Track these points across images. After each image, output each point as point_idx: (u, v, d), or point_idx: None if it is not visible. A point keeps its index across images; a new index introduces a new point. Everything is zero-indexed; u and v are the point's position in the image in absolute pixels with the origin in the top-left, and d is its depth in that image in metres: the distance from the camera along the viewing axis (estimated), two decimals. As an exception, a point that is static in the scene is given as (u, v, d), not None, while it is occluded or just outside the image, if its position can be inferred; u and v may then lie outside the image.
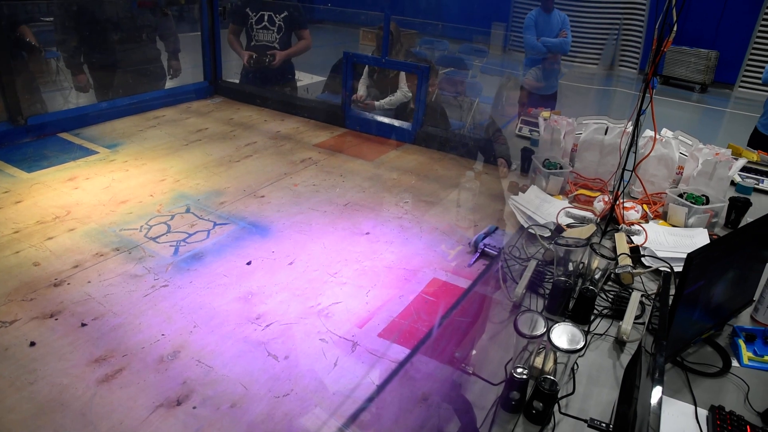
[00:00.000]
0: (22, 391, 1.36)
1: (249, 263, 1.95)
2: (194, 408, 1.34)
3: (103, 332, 1.58)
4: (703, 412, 1.36)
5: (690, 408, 1.37)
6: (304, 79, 5.15)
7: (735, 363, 1.54)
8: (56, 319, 1.61)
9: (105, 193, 2.40)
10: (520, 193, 2.43)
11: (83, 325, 1.60)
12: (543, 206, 2.34)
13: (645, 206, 2.40)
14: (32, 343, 1.51)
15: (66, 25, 3.61)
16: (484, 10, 9.74)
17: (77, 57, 3.64)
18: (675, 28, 1.96)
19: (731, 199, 2.34)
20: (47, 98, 3.95)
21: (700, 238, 2.15)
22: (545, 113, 2.82)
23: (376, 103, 3.93)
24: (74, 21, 3.59)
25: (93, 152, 2.83)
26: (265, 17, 3.92)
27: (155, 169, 2.67)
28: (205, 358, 1.50)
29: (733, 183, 2.66)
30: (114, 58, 3.71)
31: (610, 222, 2.25)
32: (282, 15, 3.92)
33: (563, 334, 1.37)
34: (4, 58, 2.80)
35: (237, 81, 4.15)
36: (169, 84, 4.02)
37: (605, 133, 2.62)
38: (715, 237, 2.20)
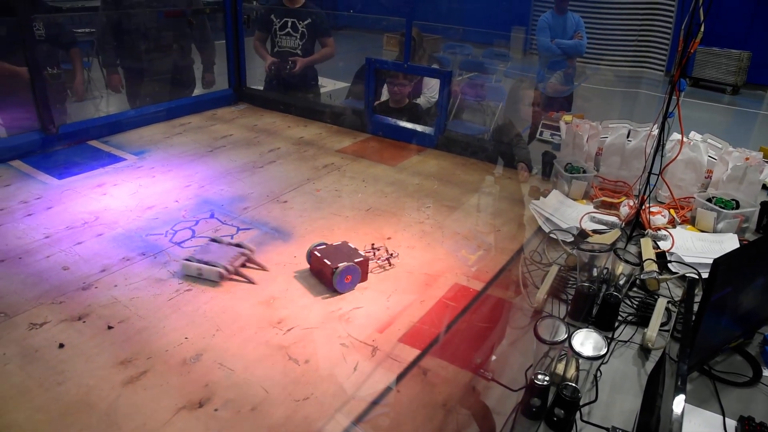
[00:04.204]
0: (51, 391, 1.40)
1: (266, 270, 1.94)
2: (215, 410, 1.36)
3: (128, 335, 1.61)
4: (731, 423, 1.32)
5: (718, 418, 1.34)
6: (327, 85, 5.18)
7: (766, 372, 1.50)
8: (84, 322, 1.65)
9: (132, 199, 2.45)
10: (541, 197, 2.40)
11: (110, 327, 1.63)
12: (565, 211, 2.32)
13: (672, 211, 2.36)
14: (61, 345, 1.55)
15: (106, 30, 3.80)
16: (505, 14, 9.69)
17: (114, 58, 3.79)
18: (702, 29, 1.92)
19: (763, 204, 2.28)
20: (78, 107, 4.07)
21: (729, 243, 2.09)
22: (567, 117, 2.79)
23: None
24: (114, 28, 3.75)
25: (121, 159, 2.90)
26: (289, 24, 3.97)
27: (181, 176, 2.72)
28: (226, 362, 1.52)
29: (765, 187, 2.59)
30: (143, 66, 3.81)
31: (635, 227, 2.21)
32: (305, 22, 3.97)
33: (585, 341, 1.35)
34: (37, 69, 2.88)
35: (261, 88, 4.20)
36: (195, 92, 4.09)
37: (627, 137, 2.58)
38: (746, 243, 2.15)
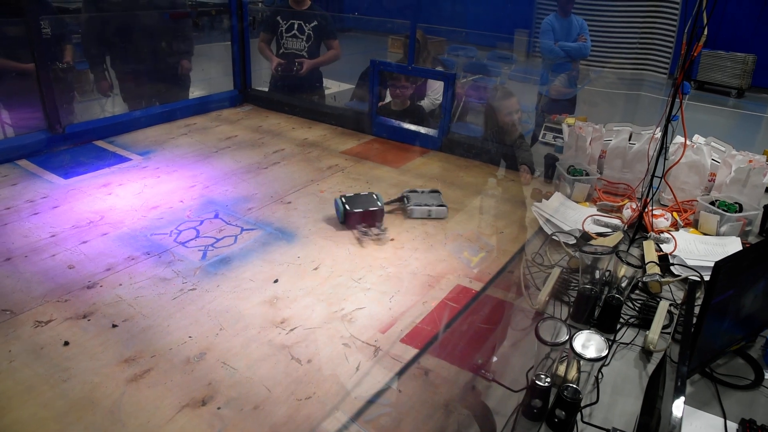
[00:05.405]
0: (56, 388, 1.41)
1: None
2: (218, 409, 1.37)
3: (132, 333, 1.62)
4: (732, 426, 1.32)
5: (719, 421, 1.34)
6: (332, 86, 5.20)
7: (768, 375, 1.50)
8: (89, 320, 1.67)
9: (137, 199, 2.47)
10: (543, 199, 2.41)
11: (114, 326, 1.65)
12: (567, 213, 2.32)
13: (675, 214, 2.36)
14: (66, 343, 1.57)
15: (91, 34, 3.81)
16: (508, 17, 9.70)
17: (99, 64, 3.81)
18: (705, 32, 1.92)
19: (766, 207, 2.28)
20: (84, 107, 4.10)
21: (732, 246, 2.10)
22: (570, 120, 2.79)
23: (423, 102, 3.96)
24: (99, 31, 3.76)
25: (126, 159, 2.91)
26: (295, 26, 3.99)
27: (185, 176, 2.74)
28: (230, 361, 1.53)
29: (768, 190, 2.58)
30: (142, 67, 3.84)
31: (638, 230, 2.21)
32: (312, 24, 3.98)
33: (587, 343, 1.36)
34: (44, 70, 2.90)
35: (266, 89, 4.22)
36: (197, 93, 4.10)
37: (629, 139, 2.58)
38: (748, 246, 2.15)
